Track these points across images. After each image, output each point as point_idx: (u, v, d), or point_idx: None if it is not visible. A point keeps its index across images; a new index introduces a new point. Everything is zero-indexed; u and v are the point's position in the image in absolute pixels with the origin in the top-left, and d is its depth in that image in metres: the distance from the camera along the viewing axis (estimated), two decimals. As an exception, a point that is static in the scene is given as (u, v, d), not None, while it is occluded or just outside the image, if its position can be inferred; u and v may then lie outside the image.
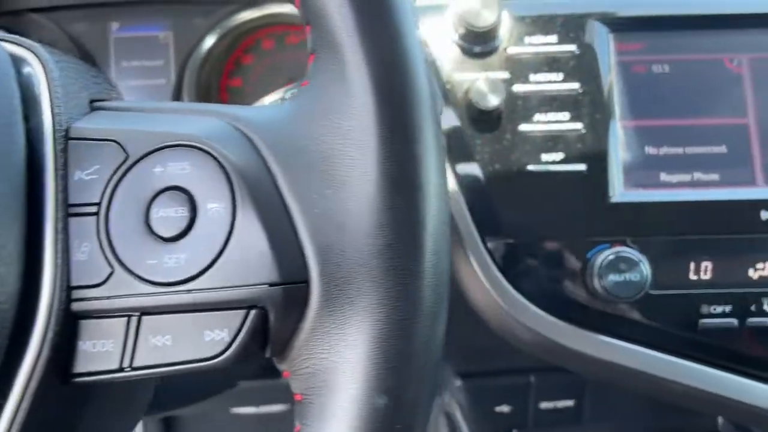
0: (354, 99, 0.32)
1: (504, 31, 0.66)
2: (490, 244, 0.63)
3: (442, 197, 0.32)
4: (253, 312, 0.31)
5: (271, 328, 0.31)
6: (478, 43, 0.65)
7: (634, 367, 0.60)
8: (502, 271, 0.62)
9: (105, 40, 0.89)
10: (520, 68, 0.65)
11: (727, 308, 0.61)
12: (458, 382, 0.88)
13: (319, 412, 0.31)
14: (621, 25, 0.67)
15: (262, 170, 0.33)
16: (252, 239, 0.31)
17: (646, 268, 0.59)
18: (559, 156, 0.63)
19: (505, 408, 0.87)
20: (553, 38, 0.65)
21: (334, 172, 0.32)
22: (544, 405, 0.89)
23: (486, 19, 0.62)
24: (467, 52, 0.66)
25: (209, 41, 0.87)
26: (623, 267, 0.59)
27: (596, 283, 0.59)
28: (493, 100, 0.61)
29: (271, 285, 0.30)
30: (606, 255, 0.59)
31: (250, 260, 0.31)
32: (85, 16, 0.88)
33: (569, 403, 0.89)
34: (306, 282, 0.32)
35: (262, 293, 0.30)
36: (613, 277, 0.58)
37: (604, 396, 0.93)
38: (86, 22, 0.88)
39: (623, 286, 0.58)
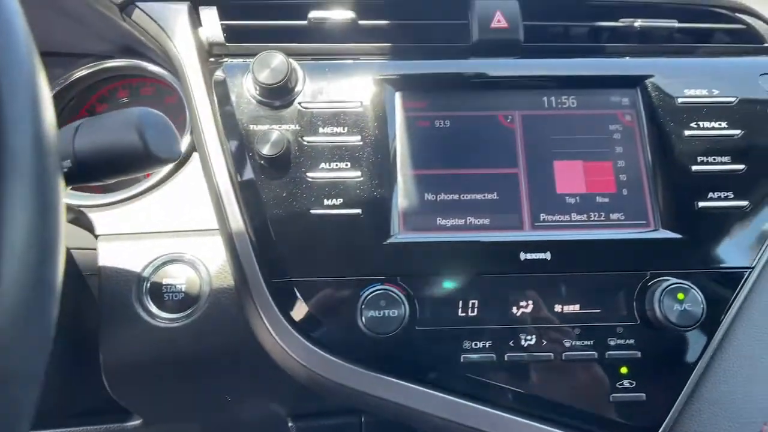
0: None
1: (300, 88, 0.72)
2: (274, 284, 0.67)
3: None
4: None
5: None
6: (274, 97, 0.71)
7: (397, 401, 0.64)
8: (283, 309, 0.66)
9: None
10: (311, 121, 0.71)
11: (488, 344, 0.66)
12: (290, 423, 0.89)
13: None
14: (405, 85, 0.74)
15: None
16: None
17: (405, 305, 0.64)
18: (339, 201, 0.68)
19: (337, 447, 0.88)
20: (343, 95, 0.72)
21: None
22: (376, 444, 0.90)
23: (275, 76, 0.69)
24: (267, 105, 0.72)
25: (67, 91, 0.92)
26: (383, 304, 0.63)
27: (361, 319, 0.63)
28: (273, 149, 0.66)
29: None
30: (369, 293, 0.64)
31: None
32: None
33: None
34: None
35: None
36: (372, 314, 0.63)
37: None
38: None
39: (381, 322, 0.63)
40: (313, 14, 0.77)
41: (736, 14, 0.85)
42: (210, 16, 0.79)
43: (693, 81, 0.75)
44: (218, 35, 0.78)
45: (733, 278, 0.68)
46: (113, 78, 0.97)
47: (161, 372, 0.74)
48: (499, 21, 0.79)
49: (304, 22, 0.78)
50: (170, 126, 0.54)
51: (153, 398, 0.81)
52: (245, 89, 0.72)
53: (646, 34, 0.83)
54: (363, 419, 0.88)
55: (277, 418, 0.91)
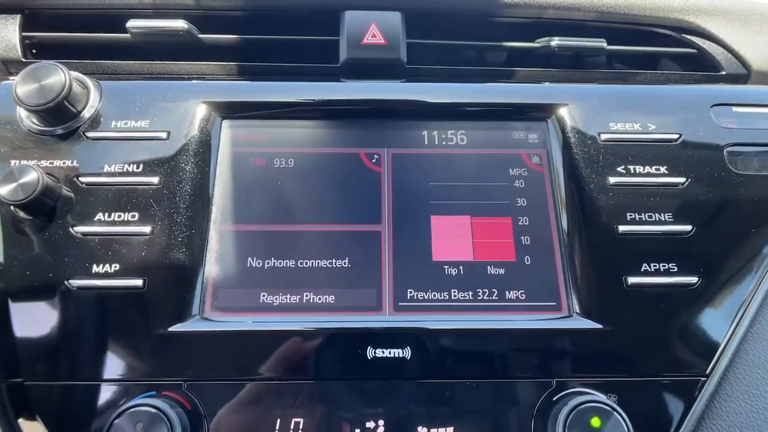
0: None
1: (90, 113, 0.54)
2: (5, 389, 0.46)
3: None
4: None
5: None
6: (52, 124, 0.53)
7: None
8: (9, 424, 0.45)
9: None
10: (94, 155, 0.52)
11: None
12: None
13: None
14: (237, 112, 0.56)
15: None
16: None
17: (179, 428, 0.42)
18: (114, 267, 0.48)
19: None
20: (147, 123, 0.54)
21: None
22: None
23: (43, 95, 0.50)
24: (47, 135, 0.53)
25: None
26: (139, 428, 0.41)
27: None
28: (18, 193, 0.46)
29: None
30: (123, 408, 0.42)
31: None
32: None
33: None
34: None
35: None
36: (121, 445, 0.41)
37: None
38: None
39: (133, 458, 0.41)
40: (133, 24, 0.60)
41: (685, 36, 0.69)
42: (8, 26, 0.63)
43: (621, 112, 0.56)
44: (14, 50, 0.62)
45: (679, 391, 0.46)
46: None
47: None
48: (374, 36, 0.62)
49: (126, 36, 0.62)
50: None
51: None
52: (18, 115, 0.54)
53: (564, 56, 0.66)
54: None
55: None
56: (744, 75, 0.68)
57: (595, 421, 0.42)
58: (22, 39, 0.63)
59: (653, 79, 0.66)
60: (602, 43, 0.64)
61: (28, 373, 0.46)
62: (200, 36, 0.63)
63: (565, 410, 0.43)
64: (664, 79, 0.66)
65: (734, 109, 0.58)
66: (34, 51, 0.64)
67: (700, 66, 0.68)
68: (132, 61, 0.64)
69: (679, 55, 0.69)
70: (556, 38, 0.64)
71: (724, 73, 0.67)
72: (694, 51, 0.67)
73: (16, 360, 0.46)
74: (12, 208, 0.49)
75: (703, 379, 0.47)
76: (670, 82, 0.66)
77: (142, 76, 0.63)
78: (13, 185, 0.48)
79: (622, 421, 0.42)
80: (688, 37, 0.68)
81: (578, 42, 0.63)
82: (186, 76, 0.62)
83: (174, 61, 0.64)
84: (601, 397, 0.44)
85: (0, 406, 0.45)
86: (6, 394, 0.46)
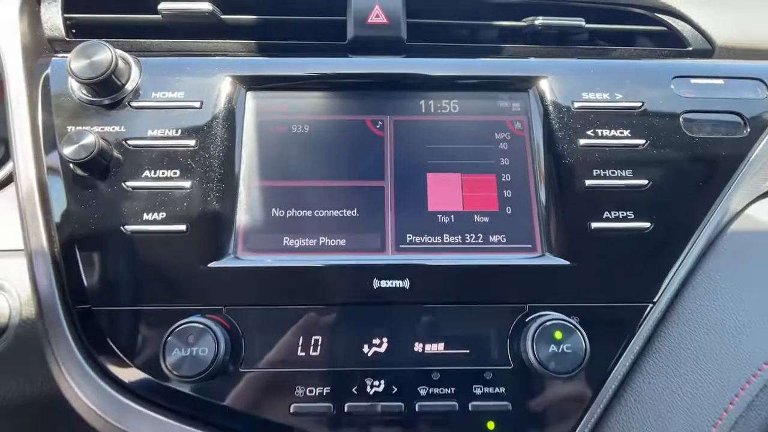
0: None
1: (133, 86, 0.62)
2: (72, 313, 0.56)
3: None
4: None
5: None
6: (101, 95, 0.61)
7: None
8: (81, 343, 0.55)
9: None
10: (139, 122, 0.61)
11: (326, 390, 0.54)
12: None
13: None
14: (260, 84, 0.64)
15: None
16: None
17: (220, 341, 0.52)
18: (161, 215, 0.57)
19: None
20: (183, 94, 0.62)
21: None
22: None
23: (94, 70, 0.59)
24: (96, 105, 0.62)
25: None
26: (191, 340, 0.51)
27: (163, 358, 0.51)
28: (81, 152, 0.56)
29: None
30: (176, 326, 0.52)
31: None
32: None
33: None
34: None
35: None
36: (176, 352, 0.51)
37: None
38: None
39: (186, 362, 0.51)
40: (164, 6, 0.68)
41: (657, 15, 0.76)
42: (51, 9, 0.71)
43: (593, 83, 0.64)
44: (58, 30, 0.70)
45: (630, 315, 0.56)
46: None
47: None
48: (377, 16, 0.70)
49: (157, 17, 0.69)
50: None
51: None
52: (70, 87, 0.63)
53: (549, 34, 0.74)
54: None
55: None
56: (709, 50, 0.75)
57: (558, 334, 0.52)
58: (64, 20, 0.72)
59: (627, 55, 0.74)
60: (581, 22, 0.72)
61: (94, 301, 0.56)
62: (223, 17, 0.71)
63: (534, 326, 0.53)
64: (636, 54, 0.74)
65: (692, 80, 0.66)
66: (73, 31, 0.72)
67: (670, 42, 0.76)
68: (162, 40, 0.72)
69: (652, 32, 0.77)
70: (540, 18, 0.71)
71: (690, 48, 0.75)
72: (665, 29, 0.75)
73: (84, 291, 0.56)
74: (72, 166, 0.59)
75: (650, 305, 0.57)
76: (642, 57, 0.74)
77: (171, 52, 0.71)
78: (74, 146, 0.57)
79: (579, 335, 0.52)
80: (660, 15, 0.76)
81: (559, 21, 0.71)
82: (211, 53, 0.70)
83: (199, 40, 0.72)
84: (565, 317, 0.54)
85: (73, 327, 0.55)
86: (77, 318, 0.56)
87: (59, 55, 0.66)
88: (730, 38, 0.76)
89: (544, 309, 0.55)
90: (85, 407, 0.53)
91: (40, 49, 0.68)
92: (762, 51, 0.76)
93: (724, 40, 0.76)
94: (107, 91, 0.61)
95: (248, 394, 0.53)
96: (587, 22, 0.73)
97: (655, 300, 0.57)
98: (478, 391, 0.54)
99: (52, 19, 0.71)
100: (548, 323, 0.53)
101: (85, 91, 0.62)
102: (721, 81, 0.66)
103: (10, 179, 0.72)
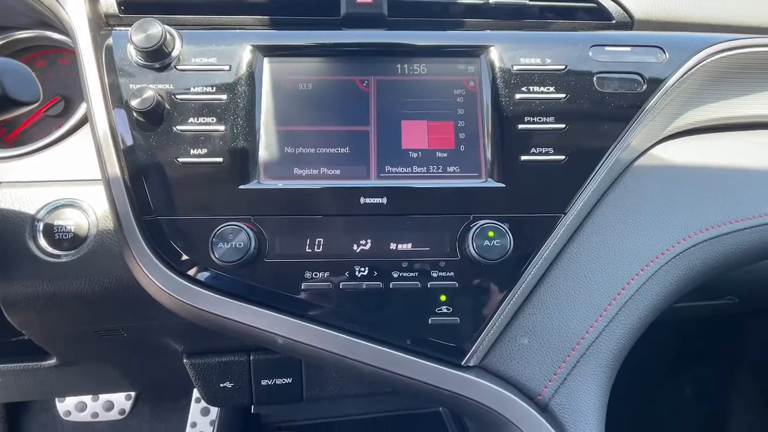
0: None
1: (177, 53, 0.81)
2: (143, 222, 0.76)
3: None
4: None
5: None
6: (153, 60, 0.81)
7: (248, 323, 0.74)
8: (151, 245, 0.76)
9: None
10: (184, 81, 0.80)
11: (327, 274, 0.76)
12: (185, 360, 0.99)
13: None
14: (274, 52, 0.83)
15: None
16: None
17: (252, 238, 0.73)
18: (204, 150, 0.78)
19: (228, 384, 0.98)
20: (216, 60, 0.82)
21: None
22: (264, 382, 1.00)
23: (149, 41, 0.78)
24: (148, 68, 0.81)
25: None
26: (231, 236, 0.73)
27: (212, 250, 0.73)
28: (143, 104, 0.76)
29: None
30: (220, 228, 0.73)
31: None
32: None
33: (287, 380, 1.00)
34: None
35: None
36: (221, 245, 0.73)
37: (318, 375, 1.04)
38: None
39: (228, 252, 0.72)
40: (198, -12, 0.87)
41: (587, -8, 0.94)
42: (106, -11, 0.89)
43: (529, 51, 0.84)
44: (113, 7, 0.88)
45: (545, 223, 0.78)
46: (33, 48, 1.06)
47: (55, 303, 0.84)
48: (364, -3, 0.88)
49: (192, -4, 0.88)
50: (28, 72, 0.64)
51: (54, 333, 0.90)
52: (128, 54, 0.81)
53: (507, 10, 0.92)
54: (251, 357, 0.98)
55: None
56: (629, 23, 0.94)
57: (491, 233, 0.74)
58: (117, -1, 0.89)
59: (563, 27, 0.93)
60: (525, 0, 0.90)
61: (158, 212, 0.76)
62: (242, -4, 0.89)
63: (474, 228, 0.74)
64: (571, 27, 0.93)
65: (606, 48, 0.85)
66: (122, 7, 0.90)
67: (599, 16, 0.94)
68: (194, 16, 0.90)
69: (586, 8, 0.95)
70: (494, -4, 0.90)
71: (614, 21, 0.93)
72: (594, 5, 0.93)
73: (150, 206, 0.77)
74: (135, 114, 0.78)
75: (562, 215, 0.78)
76: (576, 29, 0.92)
77: (202, 26, 0.89)
78: (138, 99, 0.76)
79: (506, 234, 0.74)
80: (590, -7, 0.94)
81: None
82: (234, 26, 0.88)
83: (221, 15, 0.90)
84: (497, 222, 0.75)
85: (144, 232, 0.76)
86: (146, 226, 0.77)
87: (117, 28, 0.85)
88: (647, 13, 0.94)
89: (484, 218, 0.77)
90: (155, 288, 0.74)
91: (100, 23, 0.87)
92: (674, 23, 0.95)
93: (642, 14, 0.94)
94: (158, 57, 0.80)
95: (271, 277, 0.75)
96: (532, 0, 0.91)
97: (566, 212, 0.78)
98: (434, 275, 0.76)
99: (107, -1, 0.89)
100: (484, 225, 0.74)
101: (140, 57, 0.81)
102: (628, 48, 0.86)
103: (70, 131, 0.92)
